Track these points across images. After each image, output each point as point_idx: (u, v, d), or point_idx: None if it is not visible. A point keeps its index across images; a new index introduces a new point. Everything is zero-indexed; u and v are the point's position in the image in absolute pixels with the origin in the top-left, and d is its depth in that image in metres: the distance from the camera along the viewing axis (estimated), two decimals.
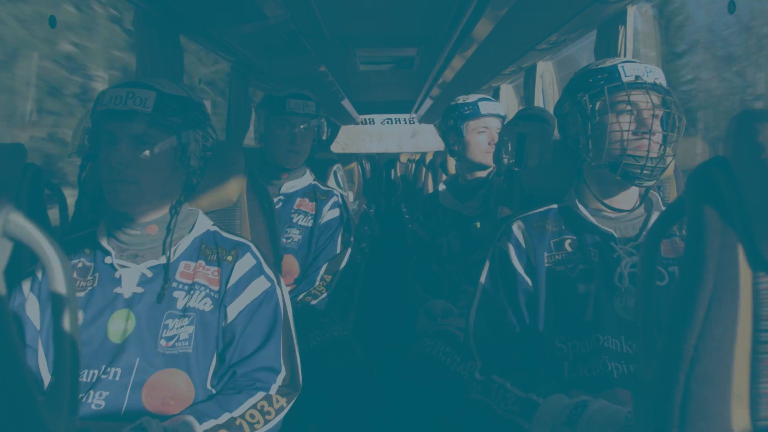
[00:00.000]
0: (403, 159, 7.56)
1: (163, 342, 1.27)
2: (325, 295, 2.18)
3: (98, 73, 2.85)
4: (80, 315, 1.27)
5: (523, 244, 1.44)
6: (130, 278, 1.31)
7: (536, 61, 3.37)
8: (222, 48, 2.93)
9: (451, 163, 3.75)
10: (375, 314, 3.75)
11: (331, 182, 3.37)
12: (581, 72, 1.43)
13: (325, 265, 2.24)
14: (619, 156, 1.33)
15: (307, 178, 2.36)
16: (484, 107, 2.37)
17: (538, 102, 3.41)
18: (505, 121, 2.42)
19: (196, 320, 1.30)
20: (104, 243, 1.34)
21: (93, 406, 1.21)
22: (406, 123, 7.47)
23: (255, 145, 2.46)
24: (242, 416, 1.24)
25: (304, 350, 1.99)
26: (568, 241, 1.42)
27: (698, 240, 0.77)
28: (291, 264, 2.24)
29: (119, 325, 1.28)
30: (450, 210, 2.42)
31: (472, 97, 2.42)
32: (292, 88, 2.34)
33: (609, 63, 1.38)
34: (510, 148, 1.83)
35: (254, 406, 1.26)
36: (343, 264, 2.27)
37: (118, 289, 1.30)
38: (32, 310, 1.29)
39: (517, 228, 1.45)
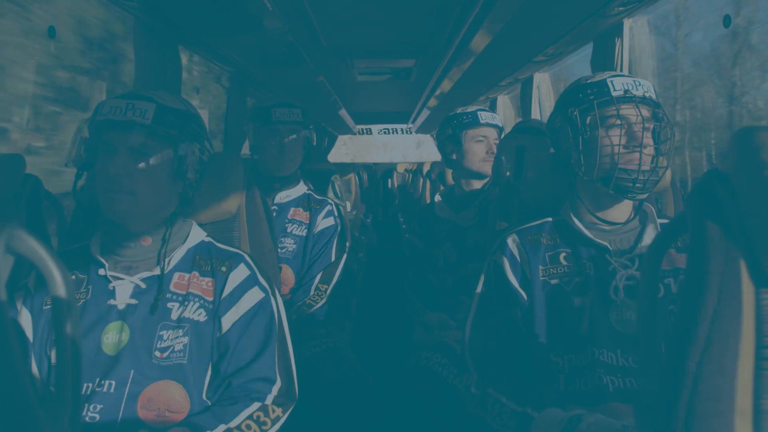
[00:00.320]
0: (400, 169, 7.57)
1: (157, 353, 1.27)
2: (320, 304, 2.18)
3: None
4: None
5: (518, 258, 1.44)
6: (123, 290, 1.31)
7: (533, 73, 3.39)
8: (220, 59, 2.94)
9: (449, 174, 3.76)
10: (372, 324, 3.74)
11: (329, 192, 3.37)
12: (571, 87, 1.44)
13: (320, 274, 2.24)
14: (610, 170, 1.34)
15: (300, 188, 2.37)
16: (483, 117, 2.40)
17: (535, 113, 3.43)
18: (502, 133, 2.43)
19: (190, 331, 1.30)
20: (98, 255, 1.34)
21: (87, 419, 1.21)
22: (403, 133, 7.50)
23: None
24: (238, 427, 1.24)
25: (301, 360, 1.99)
26: (563, 254, 1.42)
27: (701, 255, 0.77)
28: (286, 274, 2.24)
29: (113, 337, 1.27)
30: (446, 221, 2.43)
31: (471, 108, 2.44)
32: (277, 98, 2.35)
33: (598, 77, 1.38)
34: (509, 161, 1.84)
35: (250, 417, 1.26)
36: (338, 272, 2.27)
37: (112, 301, 1.30)
38: (25, 323, 1.29)
39: (512, 241, 1.46)
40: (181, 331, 1.30)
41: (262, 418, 1.28)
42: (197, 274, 1.36)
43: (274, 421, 1.29)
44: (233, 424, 1.24)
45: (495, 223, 1.94)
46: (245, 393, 1.29)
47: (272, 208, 2.28)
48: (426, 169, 5.70)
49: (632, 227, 1.42)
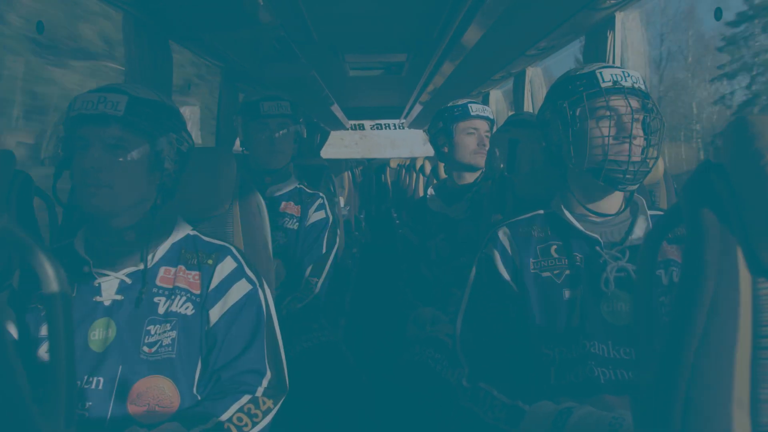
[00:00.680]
0: (393, 164, 7.57)
1: (145, 348, 1.26)
2: (311, 296, 2.17)
3: None
4: None
5: (509, 251, 1.44)
6: (109, 286, 1.30)
7: (525, 67, 3.39)
8: (211, 53, 2.92)
9: (443, 169, 3.76)
10: (366, 319, 3.74)
11: (322, 189, 3.36)
12: (561, 79, 1.43)
13: (311, 266, 2.23)
14: (600, 161, 1.34)
15: (292, 182, 2.37)
16: (474, 109, 2.40)
17: (528, 108, 3.43)
18: (494, 126, 2.44)
19: (178, 325, 1.29)
20: (82, 252, 1.32)
21: (77, 417, 1.19)
22: (395, 128, 7.49)
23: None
24: (230, 420, 1.24)
25: (295, 355, 1.99)
26: (554, 246, 1.42)
27: (697, 246, 0.77)
28: (277, 267, 2.23)
29: (100, 333, 1.26)
30: (438, 213, 2.43)
31: (461, 100, 2.45)
32: (266, 92, 2.34)
33: (587, 69, 1.38)
34: (502, 154, 1.84)
35: (241, 410, 1.26)
36: (329, 265, 2.27)
37: (97, 298, 1.29)
38: (10, 322, 1.27)
39: (503, 234, 1.46)
40: (168, 325, 1.29)
41: (253, 411, 1.27)
42: (184, 267, 1.35)
43: (265, 413, 1.29)
44: (224, 417, 1.24)
45: (490, 216, 1.94)
46: (235, 386, 1.29)
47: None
48: (419, 164, 5.69)
49: (623, 219, 1.42)
